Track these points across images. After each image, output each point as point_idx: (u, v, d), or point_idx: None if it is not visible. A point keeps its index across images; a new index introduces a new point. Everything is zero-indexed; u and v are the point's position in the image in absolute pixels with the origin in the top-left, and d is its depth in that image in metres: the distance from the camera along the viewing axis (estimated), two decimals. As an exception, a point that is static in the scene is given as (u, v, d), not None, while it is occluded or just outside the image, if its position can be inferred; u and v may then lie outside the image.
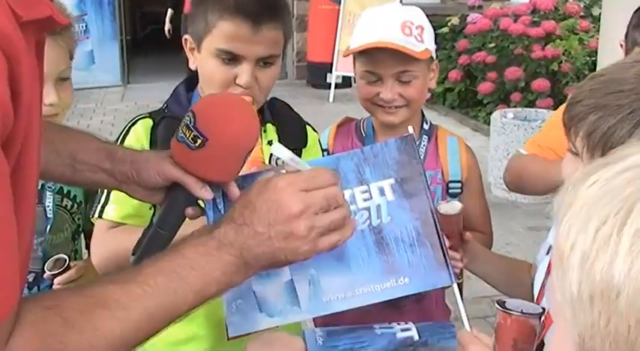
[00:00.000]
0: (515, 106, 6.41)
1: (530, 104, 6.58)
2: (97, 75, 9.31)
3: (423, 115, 1.91)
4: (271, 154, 1.30)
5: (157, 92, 5.69)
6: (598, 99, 1.10)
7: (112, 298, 0.87)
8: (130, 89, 9.53)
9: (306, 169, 1.08)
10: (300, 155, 1.76)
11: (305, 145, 1.78)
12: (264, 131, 1.66)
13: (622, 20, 2.38)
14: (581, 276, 0.56)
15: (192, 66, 1.64)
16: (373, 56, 1.76)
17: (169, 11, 9.01)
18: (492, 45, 7.21)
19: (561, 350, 0.60)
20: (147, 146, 1.58)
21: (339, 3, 8.65)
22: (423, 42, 1.75)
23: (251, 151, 1.16)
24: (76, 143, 1.22)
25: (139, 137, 1.60)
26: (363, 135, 1.91)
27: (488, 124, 5.88)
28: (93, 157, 1.21)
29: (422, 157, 1.83)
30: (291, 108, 1.79)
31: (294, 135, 1.74)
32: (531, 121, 5.23)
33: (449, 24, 7.92)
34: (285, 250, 0.99)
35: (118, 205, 1.54)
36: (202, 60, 1.58)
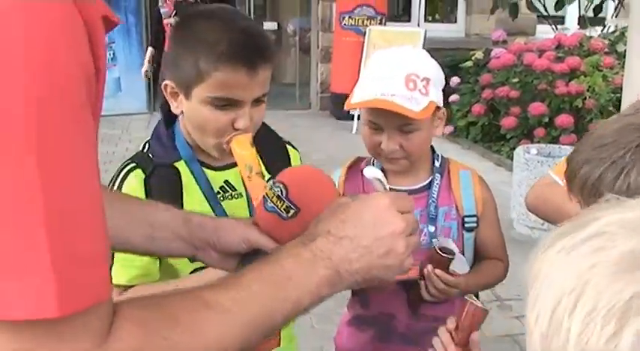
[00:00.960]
0: (538, 142, 6.39)
1: (554, 140, 6.55)
2: (124, 102, 9.44)
3: (434, 151, 1.91)
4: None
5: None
6: (584, 154, 1.24)
7: (214, 299, 0.86)
8: (156, 116, 9.62)
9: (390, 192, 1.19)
10: None
11: (289, 164, 1.78)
12: None
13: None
14: None
15: (176, 111, 1.59)
16: (376, 109, 1.75)
17: (150, 50, 8.22)
18: (516, 80, 7.21)
19: None
20: (143, 197, 1.54)
21: (364, 35, 8.71)
22: (427, 95, 1.72)
23: None
24: (152, 211, 1.25)
25: (134, 190, 1.55)
26: None
27: (511, 159, 5.85)
28: (170, 225, 1.24)
29: (435, 195, 1.85)
30: (269, 128, 1.75)
31: (278, 162, 1.71)
32: (555, 158, 5.20)
33: (473, 58, 7.94)
34: (380, 267, 1.00)
35: (123, 269, 1.52)
36: (192, 107, 1.53)
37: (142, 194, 1.54)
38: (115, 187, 1.56)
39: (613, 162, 1.18)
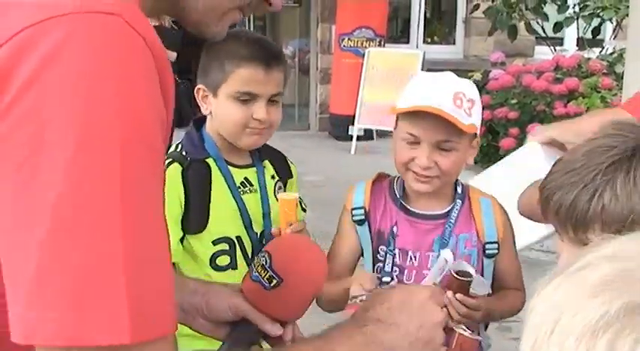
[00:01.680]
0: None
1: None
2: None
3: (456, 183, 1.90)
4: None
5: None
6: (557, 181, 1.26)
7: None
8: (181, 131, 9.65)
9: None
10: (286, 186, 2.09)
11: (291, 177, 2.10)
12: (264, 167, 2.01)
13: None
14: None
15: (205, 112, 1.94)
16: (419, 119, 1.73)
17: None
18: (514, 101, 7.22)
19: None
20: (182, 191, 1.83)
21: (363, 56, 8.75)
22: (471, 116, 1.73)
23: (320, 291, 1.25)
24: None
25: (174, 183, 1.82)
26: (397, 196, 1.90)
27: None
28: None
29: (454, 221, 1.85)
30: (268, 145, 2.06)
31: (283, 169, 2.08)
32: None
33: (471, 79, 7.96)
34: None
35: None
36: (220, 103, 1.89)
37: (179, 184, 1.84)
38: None
39: (585, 185, 1.20)
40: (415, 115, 1.73)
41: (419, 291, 1.12)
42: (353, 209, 1.90)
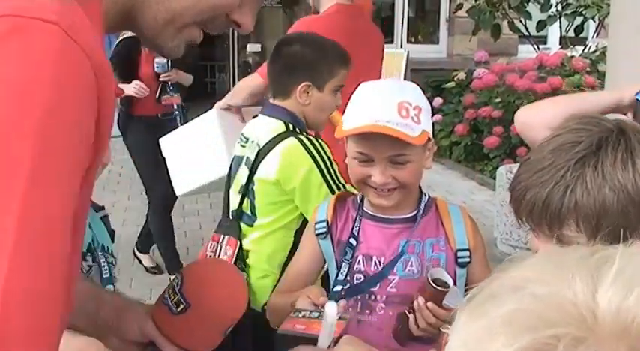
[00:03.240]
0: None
1: (537, 159, 6.56)
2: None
3: (420, 190, 1.88)
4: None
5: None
6: (527, 181, 1.25)
7: None
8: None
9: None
10: None
11: None
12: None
13: (626, 77, 2.38)
14: None
15: (305, 103, 2.32)
16: (367, 138, 1.70)
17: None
18: (498, 100, 7.25)
19: None
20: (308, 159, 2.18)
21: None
22: (420, 123, 1.68)
23: (233, 324, 1.15)
24: None
25: (300, 152, 2.21)
26: (358, 203, 1.88)
27: (494, 179, 5.87)
28: (80, 298, 1.13)
29: (419, 223, 1.81)
30: None
31: None
32: (537, 176, 5.20)
33: (455, 78, 7.98)
34: None
35: None
36: (322, 96, 2.32)
37: (306, 155, 2.20)
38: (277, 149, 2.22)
39: (556, 183, 1.21)
40: (363, 134, 1.69)
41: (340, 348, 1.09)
42: (316, 223, 1.90)
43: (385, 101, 1.69)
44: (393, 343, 1.77)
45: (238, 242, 2.39)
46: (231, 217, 2.45)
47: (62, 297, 0.75)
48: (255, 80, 3.60)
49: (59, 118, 0.72)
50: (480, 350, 0.53)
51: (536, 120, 1.77)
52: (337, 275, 1.84)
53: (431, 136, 1.75)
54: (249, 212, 2.39)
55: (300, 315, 1.61)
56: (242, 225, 2.40)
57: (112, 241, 1.76)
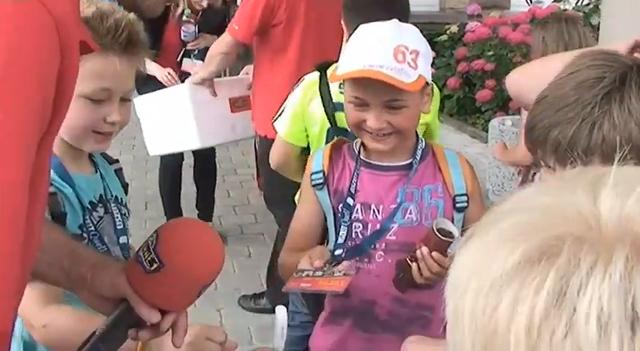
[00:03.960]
0: (513, 114, 6.43)
1: (529, 112, 6.58)
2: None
3: (417, 135, 1.87)
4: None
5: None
6: (551, 118, 1.24)
7: None
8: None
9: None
10: None
11: None
12: None
13: (621, 29, 2.40)
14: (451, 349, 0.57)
15: None
16: (362, 83, 1.68)
17: None
18: (491, 53, 7.22)
19: None
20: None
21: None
22: (416, 68, 1.66)
23: (208, 285, 1.14)
24: (44, 233, 1.12)
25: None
26: (356, 153, 1.87)
27: (487, 131, 5.90)
28: (54, 252, 1.16)
29: (416, 170, 1.81)
30: None
31: None
32: (529, 129, 5.24)
33: (447, 32, 7.93)
34: None
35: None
36: None
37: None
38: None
39: (583, 119, 1.21)
40: (358, 78, 1.68)
41: None
42: (312, 174, 1.88)
43: (381, 45, 1.66)
44: (392, 290, 1.80)
45: None
46: None
47: (18, 259, 0.75)
48: (224, 39, 3.58)
49: (17, 72, 0.70)
50: (484, 265, 0.54)
51: (528, 85, 1.79)
52: (337, 239, 1.84)
53: (429, 81, 1.73)
54: None
55: (304, 275, 1.65)
56: None
57: (126, 193, 1.78)
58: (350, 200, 1.83)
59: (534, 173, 3.19)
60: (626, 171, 0.55)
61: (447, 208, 1.83)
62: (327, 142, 2.48)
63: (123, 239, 1.66)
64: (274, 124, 2.65)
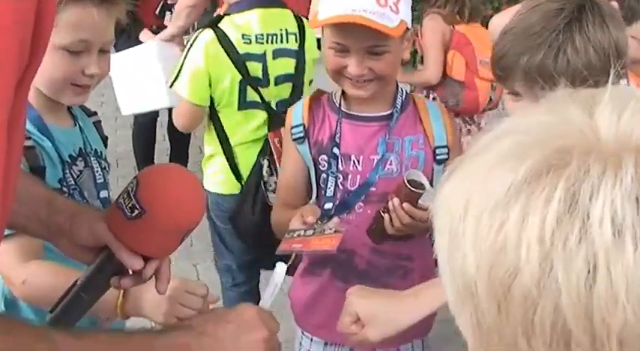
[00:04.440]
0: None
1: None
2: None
3: (397, 85, 1.85)
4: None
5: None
6: (520, 46, 1.37)
7: (59, 340, 0.85)
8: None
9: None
10: None
11: None
12: None
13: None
14: (450, 279, 0.55)
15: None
16: (343, 28, 1.65)
17: None
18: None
19: None
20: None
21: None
22: (398, 13, 1.63)
23: (191, 231, 1.12)
24: (20, 184, 1.09)
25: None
26: (336, 105, 1.85)
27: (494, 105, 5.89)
28: (32, 203, 1.14)
29: (397, 120, 1.80)
30: None
31: None
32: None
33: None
34: None
35: None
36: None
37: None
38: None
39: (549, 45, 1.34)
40: (340, 24, 1.65)
41: (243, 308, 1.08)
42: (292, 128, 1.87)
43: None
44: (370, 240, 1.81)
45: None
46: None
47: None
48: None
49: None
50: (484, 186, 0.53)
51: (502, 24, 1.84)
52: (325, 191, 1.83)
53: (409, 26, 1.71)
54: None
55: (295, 235, 1.65)
56: None
57: (105, 146, 1.77)
58: (336, 150, 1.82)
59: (427, 96, 3.41)
60: (616, 89, 0.55)
61: (428, 159, 1.82)
62: (240, 95, 2.55)
63: (103, 193, 1.65)
64: (173, 88, 2.64)
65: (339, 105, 1.85)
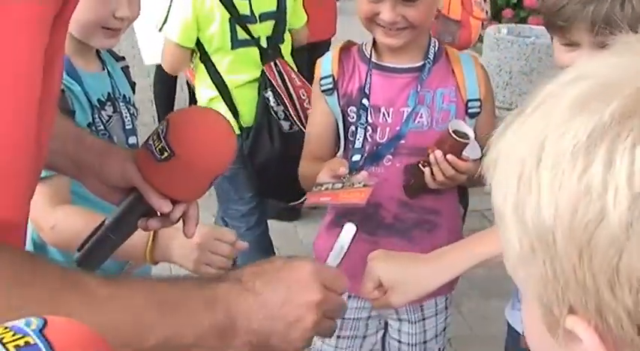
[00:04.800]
0: (507, 23, 6.36)
1: (522, 21, 6.51)
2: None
3: (430, 36, 1.81)
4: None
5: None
6: None
7: (93, 284, 0.80)
8: None
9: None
10: None
11: None
12: None
13: None
14: (518, 229, 0.52)
15: None
16: None
17: None
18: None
19: (530, 315, 0.55)
20: None
21: None
22: None
23: (220, 174, 1.10)
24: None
25: None
26: (367, 56, 1.82)
27: (479, 40, 5.83)
28: (60, 138, 1.09)
29: (428, 73, 1.77)
30: None
31: None
32: (525, 37, 5.20)
33: None
34: (281, 336, 0.91)
35: None
36: None
37: None
38: None
39: None
40: None
41: (299, 265, 0.96)
42: (321, 79, 1.84)
43: None
44: (399, 194, 1.79)
45: None
46: None
47: (32, 149, 0.72)
48: None
49: None
50: (560, 132, 0.49)
51: None
52: (353, 144, 1.81)
53: None
54: None
55: (323, 188, 1.63)
56: None
57: (133, 92, 1.75)
58: (365, 101, 1.79)
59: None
60: None
61: (459, 112, 1.79)
62: (232, 34, 2.58)
63: (132, 139, 1.63)
64: (161, 31, 2.69)
65: (370, 56, 1.82)
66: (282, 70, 2.65)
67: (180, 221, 1.14)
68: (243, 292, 0.90)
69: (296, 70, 2.74)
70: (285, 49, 2.76)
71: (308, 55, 3.29)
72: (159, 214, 1.12)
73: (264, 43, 2.65)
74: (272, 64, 2.62)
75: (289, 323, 0.91)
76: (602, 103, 0.48)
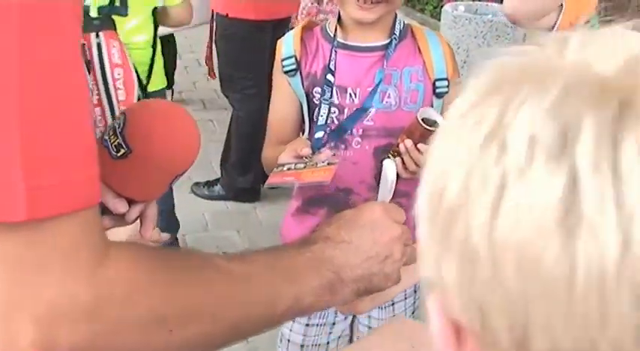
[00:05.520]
0: (464, 1, 6.35)
1: (479, -1, 6.52)
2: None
3: (395, 14, 1.78)
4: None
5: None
6: None
7: (226, 265, 0.85)
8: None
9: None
10: None
11: None
12: None
13: None
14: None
15: None
16: None
17: None
18: None
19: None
20: None
21: None
22: None
23: (181, 175, 1.02)
24: None
25: None
26: (331, 35, 1.77)
27: (435, 18, 5.82)
28: None
29: (394, 50, 1.73)
30: None
31: None
32: (482, 15, 5.18)
33: None
34: (381, 275, 1.00)
35: None
36: None
37: None
38: None
39: None
40: None
41: (369, 208, 1.05)
42: (283, 60, 1.79)
43: None
44: (369, 178, 1.76)
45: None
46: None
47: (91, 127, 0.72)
48: None
49: None
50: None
51: (525, 11, 1.82)
52: (317, 119, 1.76)
53: None
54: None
55: (285, 168, 1.58)
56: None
57: None
58: (330, 77, 1.74)
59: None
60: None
61: (427, 92, 1.75)
62: None
63: None
64: None
65: (334, 35, 1.77)
66: (102, 42, 2.60)
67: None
68: (337, 245, 0.97)
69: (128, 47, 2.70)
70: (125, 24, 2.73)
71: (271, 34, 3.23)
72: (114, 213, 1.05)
73: (93, 13, 2.60)
74: (93, 34, 2.58)
75: (383, 261, 1.00)
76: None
